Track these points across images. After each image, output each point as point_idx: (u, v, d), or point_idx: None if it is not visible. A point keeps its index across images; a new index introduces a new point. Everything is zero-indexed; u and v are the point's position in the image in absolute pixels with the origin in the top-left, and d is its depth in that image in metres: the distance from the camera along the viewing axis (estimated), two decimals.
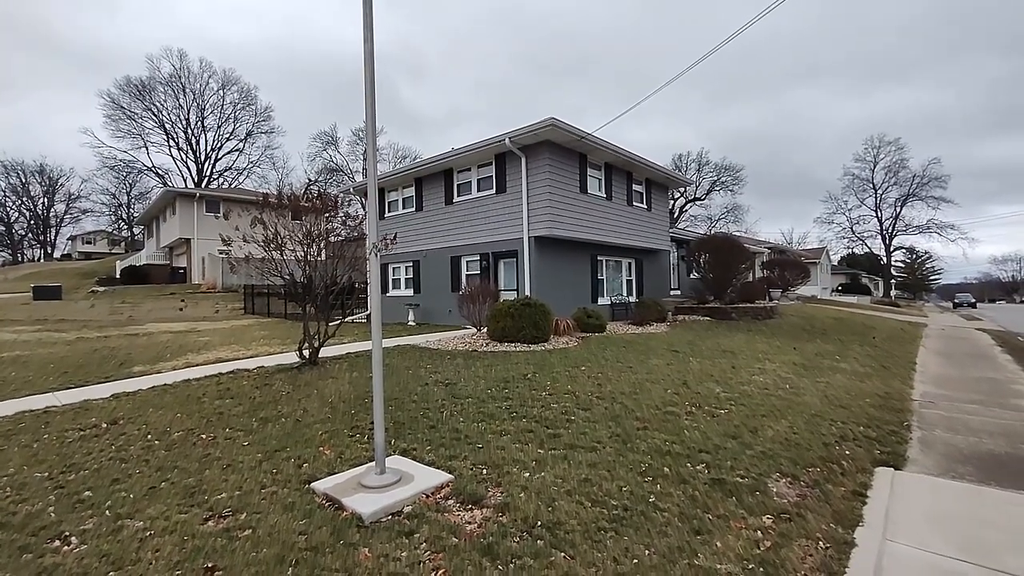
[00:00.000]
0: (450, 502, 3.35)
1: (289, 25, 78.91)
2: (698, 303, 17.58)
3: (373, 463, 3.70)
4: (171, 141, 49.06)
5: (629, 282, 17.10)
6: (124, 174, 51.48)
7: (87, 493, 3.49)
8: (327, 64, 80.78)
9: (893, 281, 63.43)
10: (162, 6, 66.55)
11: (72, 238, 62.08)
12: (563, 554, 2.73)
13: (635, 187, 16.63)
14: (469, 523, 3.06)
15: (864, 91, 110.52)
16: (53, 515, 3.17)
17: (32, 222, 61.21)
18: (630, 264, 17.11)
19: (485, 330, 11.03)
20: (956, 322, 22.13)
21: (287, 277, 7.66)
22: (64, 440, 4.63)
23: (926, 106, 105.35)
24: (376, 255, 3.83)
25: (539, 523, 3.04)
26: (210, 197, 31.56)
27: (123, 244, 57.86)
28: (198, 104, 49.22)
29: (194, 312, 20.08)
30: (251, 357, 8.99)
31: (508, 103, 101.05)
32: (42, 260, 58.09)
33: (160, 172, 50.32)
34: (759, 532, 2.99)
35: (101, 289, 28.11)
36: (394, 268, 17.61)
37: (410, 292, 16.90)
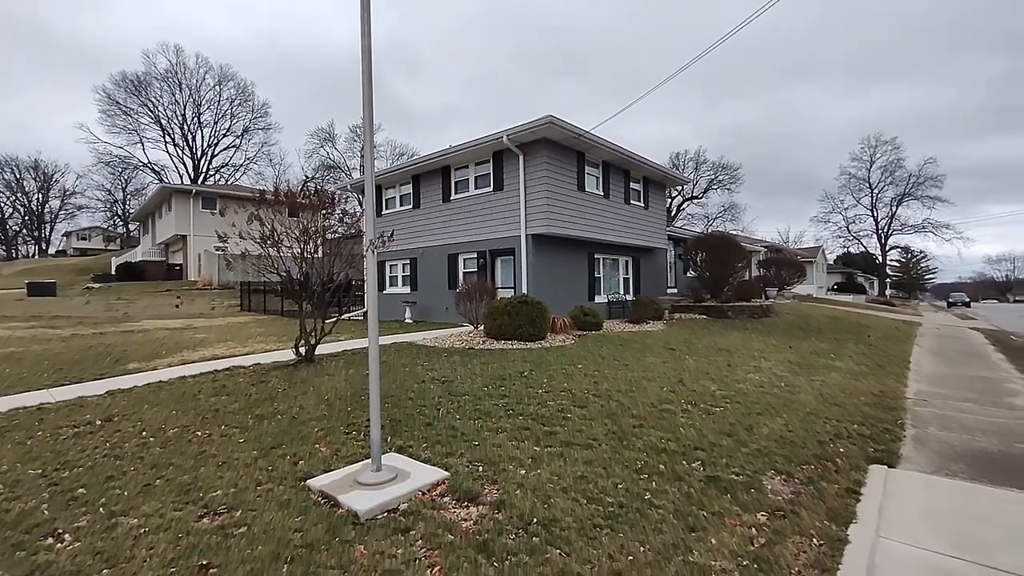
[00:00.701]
0: (446, 499, 3.36)
1: (285, 22, 78.53)
2: (695, 301, 17.61)
3: (369, 460, 3.70)
4: (167, 137, 48.88)
5: (626, 280, 17.11)
6: (119, 170, 51.36)
7: (81, 490, 3.47)
8: (324, 61, 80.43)
9: (888, 280, 63.81)
10: (155, 4, 66.13)
11: (67, 234, 61.65)
12: (559, 551, 2.73)
13: (633, 185, 16.63)
14: (465, 520, 3.07)
15: (862, 90, 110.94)
16: (47, 512, 3.16)
17: (26, 218, 60.81)
18: (627, 262, 17.12)
19: (482, 328, 11.03)
20: (950, 321, 22.25)
21: (284, 274, 7.63)
22: (58, 437, 4.61)
23: (923, 105, 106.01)
24: (373, 252, 3.82)
25: (535, 520, 3.04)
26: (206, 193, 31.45)
27: (118, 240, 57.56)
28: (194, 100, 49.00)
29: (190, 309, 20.00)
30: (247, 354, 8.96)
31: (506, 101, 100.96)
32: (37, 256, 57.71)
33: (156, 168, 50.16)
34: (753, 529, 3.01)
35: (96, 286, 27.98)
36: (391, 265, 17.58)
37: (407, 289, 16.88)
